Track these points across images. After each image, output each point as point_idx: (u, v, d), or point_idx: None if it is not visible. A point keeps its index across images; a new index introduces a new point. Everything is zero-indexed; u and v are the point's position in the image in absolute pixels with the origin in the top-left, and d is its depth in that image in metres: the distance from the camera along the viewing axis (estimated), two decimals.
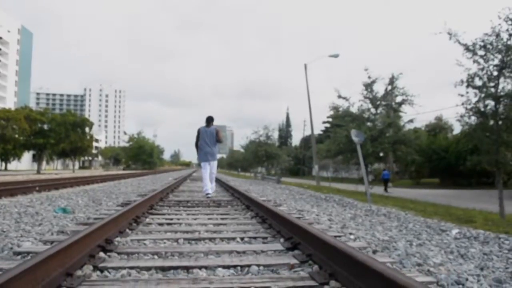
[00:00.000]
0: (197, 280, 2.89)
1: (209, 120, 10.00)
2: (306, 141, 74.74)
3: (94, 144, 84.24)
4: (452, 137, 40.99)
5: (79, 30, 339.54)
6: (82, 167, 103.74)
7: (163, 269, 3.23)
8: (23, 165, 76.80)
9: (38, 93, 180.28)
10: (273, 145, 37.95)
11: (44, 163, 67.37)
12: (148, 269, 3.21)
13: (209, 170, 9.96)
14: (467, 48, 12.77)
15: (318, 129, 71.64)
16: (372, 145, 19.88)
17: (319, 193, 14.63)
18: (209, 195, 9.70)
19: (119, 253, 3.75)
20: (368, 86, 21.04)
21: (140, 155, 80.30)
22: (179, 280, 2.92)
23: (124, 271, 3.14)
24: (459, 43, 12.89)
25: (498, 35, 12.14)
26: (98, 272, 3.13)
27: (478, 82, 12.71)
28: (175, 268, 3.25)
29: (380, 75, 21.04)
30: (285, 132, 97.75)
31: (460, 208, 13.42)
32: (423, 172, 39.99)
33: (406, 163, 35.74)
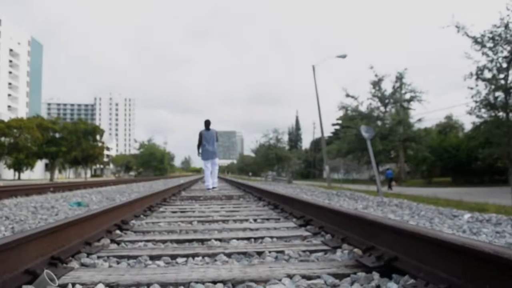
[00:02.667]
0: (212, 247, 2.95)
1: (208, 123, 11.19)
2: (316, 143, 74.56)
3: (105, 152, 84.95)
4: (463, 135, 40.54)
5: (88, 40, 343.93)
6: (94, 175, 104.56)
7: (178, 241, 3.30)
8: (36, 174, 77.70)
9: (49, 104, 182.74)
10: (283, 148, 37.96)
11: (56, 172, 68.09)
12: (163, 242, 3.28)
13: (211, 167, 11.17)
14: (475, 41, 12.74)
15: (328, 131, 71.36)
16: (382, 143, 19.84)
17: (330, 190, 14.63)
18: (210, 189, 10.83)
19: (135, 232, 3.83)
20: (376, 84, 21.06)
21: (151, 162, 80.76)
22: (194, 247, 2.99)
23: (141, 244, 3.22)
24: (467, 35, 12.89)
25: (506, 26, 12.10)
26: (115, 245, 3.20)
27: (487, 75, 12.67)
28: (190, 241, 3.31)
29: (387, 73, 21.04)
30: (295, 136, 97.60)
31: (472, 201, 13.29)
32: (434, 171, 39.55)
33: (417, 163, 35.44)
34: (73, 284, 2.08)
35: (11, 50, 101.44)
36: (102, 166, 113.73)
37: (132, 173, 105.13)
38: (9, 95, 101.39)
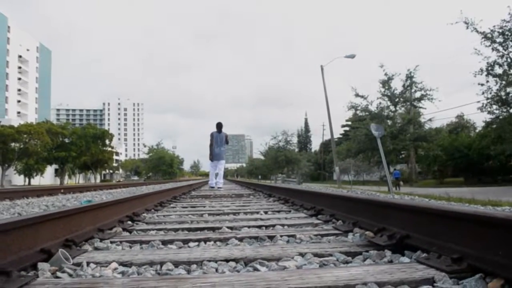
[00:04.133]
0: (224, 233, 2.97)
1: (220, 126, 11.57)
2: (325, 145, 74.27)
3: (115, 157, 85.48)
4: (475, 135, 40.07)
5: (97, 46, 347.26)
6: (103, 180, 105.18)
7: (190, 229, 3.32)
8: (45, 180, 78.35)
9: (58, 109, 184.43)
10: (292, 150, 37.90)
11: (66, 177, 68.64)
12: (175, 230, 3.31)
13: (217, 168, 11.75)
14: (485, 36, 12.65)
15: (337, 133, 71.09)
16: (392, 142, 19.73)
17: (340, 189, 14.58)
18: (213, 187, 11.49)
19: (146, 223, 3.87)
20: (385, 83, 20.98)
21: (160, 166, 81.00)
22: (206, 233, 3.01)
23: (153, 232, 3.25)
24: (477, 31, 12.79)
25: None
26: (127, 233, 3.24)
27: (498, 70, 12.55)
28: (201, 229, 3.34)
29: (397, 71, 20.98)
30: (304, 138, 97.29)
31: (485, 199, 13.14)
32: (446, 172, 39.12)
33: (428, 163, 35.10)
34: (88, 263, 2.11)
35: (20, 56, 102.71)
36: (111, 171, 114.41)
37: (136, 177, 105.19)
38: (18, 101, 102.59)
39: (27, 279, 1.73)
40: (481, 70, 12.72)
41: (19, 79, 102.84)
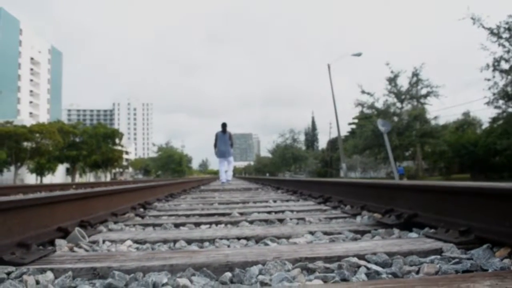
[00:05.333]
0: (234, 217, 3.02)
1: (224, 126, 12.03)
2: (332, 143, 74.03)
3: (124, 156, 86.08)
4: (481, 131, 39.71)
5: (107, 46, 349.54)
6: (113, 179, 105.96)
7: (201, 215, 3.38)
8: (57, 178, 79.08)
9: (69, 110, 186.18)
10: (300, 148, 37.88)
11: (77, 176, 69.30)
12: (186, 216, 3.37)
13: (226, 165, 12.07)
14: (491, 32, 12.56)
15: (344, 131, 70.73)
16: (398, 138, 19.66)
17: None
18: (224, 182, 11.66)
19: (158, 210, 3.93)
20: (392, 81, 20.92)
21: (169, 164, 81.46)
22: (217, 217, 3.06)
23: (165, 217, 3.31)
24: (483, 27, 12.70)
25: None
26: (140, 218, 3.30)
27: (504, 65, 12.47)
28: (212, 215, 3.39)
29: (403, 69, 20.89)
30: (311, 136, 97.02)
31: None
32: (452, 168, 38.78)
33: (435, 159, 34.86)
34: (103, 241, 2.17)
35: (32, 58, 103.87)
36: (121, 170, 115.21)
37: (140, 176, 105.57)
38: (30, 102, 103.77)
39: (45, 252, 1.80)
40: (488, 65, 12.62)
41: (31, 80, 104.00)
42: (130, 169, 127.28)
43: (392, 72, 21.02)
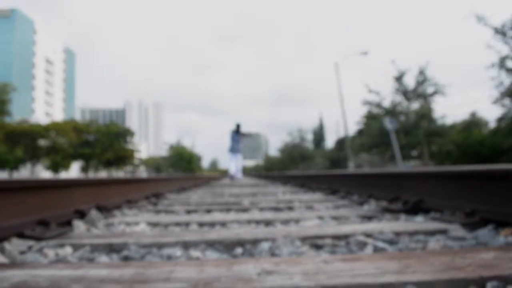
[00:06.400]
0: (244, 206, 3.08)
1: (238, 126, 13.26)
2: (340, 142, 73.67)
3: (136, 154, 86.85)
4: (487, 132, 39.20)
5: (120, 47, 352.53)
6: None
7: (212, 204, 3.45)
8: (71, 176, 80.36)
9: (82, 109, 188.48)
10: (307, 147, 37.84)
11: (91, 173, 70.15)
12: (198, 205, 3.44)
13: (236, 160, 12.96)
14: (496, 31, 12.46)
15: (352, 131, 70.37)
16: (405, 137, 19.56)
17: None
18: (233, 175, 12.38)
19: (170, 200, 4.01)
20: (398, 79, 20.83)
21: (180, 163, 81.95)
22: (228, 206, 3.12)
23: (177, 206, 3.38)
24: (488, 26, 12.61)
25: None
26: (153, 206, 3.38)
27: (510, 64, 12.36)
28: (223, 204, 3.45)
29: (409, 67, 20.75)
30: (319, 135, 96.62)
31: None
32: None
33: (441, 159, 34.50)
34: (119, 223, 2.25)
35: (46, 58, 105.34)
36: (133, 168, 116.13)
37: (144, 174, 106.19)
38: (45, 101, 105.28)
39: (64, 230, 1.88)
40: (492, 64, 12.56)
41: (46, 80, 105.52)
42: (141, 168, 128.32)
43: (398, 70, 20.93)
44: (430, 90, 21.11)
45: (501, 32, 12.35)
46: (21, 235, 1.73)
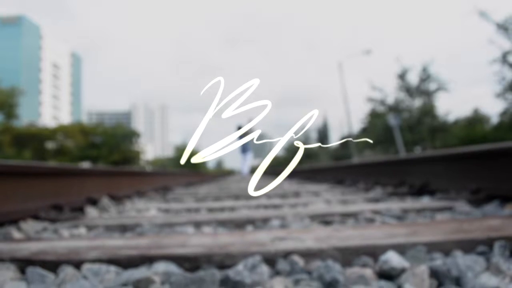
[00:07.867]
0: (251, 198, 3.11)
1: (239, 128, 13.35)
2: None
3: (142, 156, 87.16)
4: (490, 128, 38.95)
5: (127, 51, 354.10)
6: None
7: (221, 194, 3.48)
8: None
9: (89, 112, 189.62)
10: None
11: None
12: (206, 196, 3.47)
13: (245, 158, 13.27)
14: (499, 26, 12.45)
15: (355, 130, 70.26)
16: (409, 134, 19.49)
17: None
18: (243, 171, 12.93)
19: (178, 192, 4.05)
20: (402, 77, 20.78)
21: (185, 164, 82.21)
22: (235, 195, 3.15)
23: (185, 197, 3.42)
24: (491, 21, 12.60)
25: None
26: (162, 197, 3.42)
27: None
28: (231, 194, 3.48)
29: (413, 65, 20.72)
30: (323, 134, 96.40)
31: None
32: None
33: None
34: (130, 209, 2.29)
35: (53, 63, 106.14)
36: (140, 169, 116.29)
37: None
38: (52, 105, 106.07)
39: (77, 214, 1.92)
40: (494, 60, 12.58)
41: (53, 84, 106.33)
42: (147, 169, 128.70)
43: (402, 68, 20.88)
44: (433, 87, 21.01)
45: (503, 27, 12.33)
46: (36, 217, 1.77)
